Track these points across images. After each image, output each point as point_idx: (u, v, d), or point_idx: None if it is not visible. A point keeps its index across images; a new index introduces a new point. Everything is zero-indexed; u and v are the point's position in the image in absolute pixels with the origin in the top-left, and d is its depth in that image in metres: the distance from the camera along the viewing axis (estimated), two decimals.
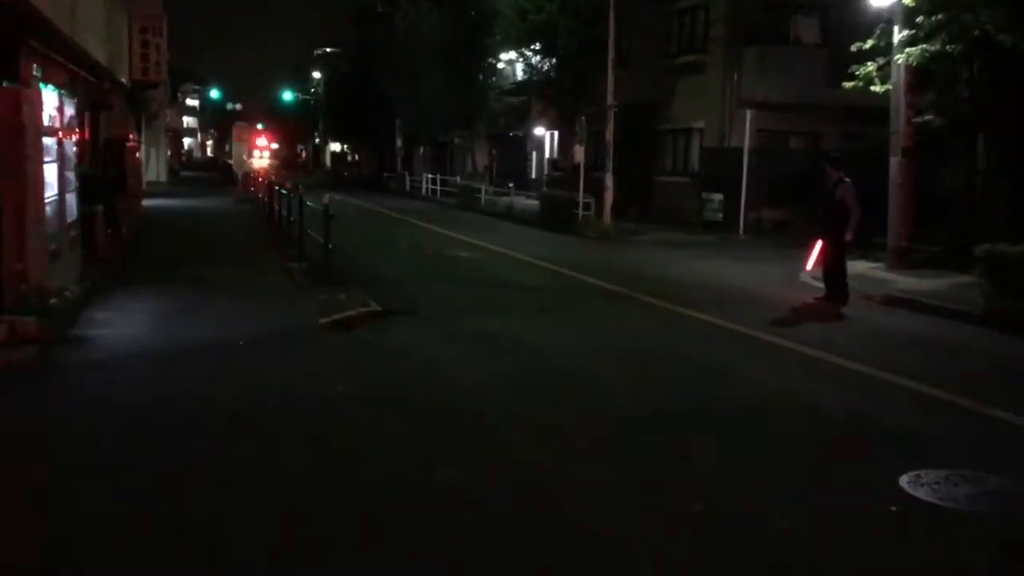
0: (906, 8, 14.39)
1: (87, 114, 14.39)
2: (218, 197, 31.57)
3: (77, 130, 12.94)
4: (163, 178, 40.37)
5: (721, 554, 4.20)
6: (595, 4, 23.17)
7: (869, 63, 15.68)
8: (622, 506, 4.72)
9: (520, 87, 34.13)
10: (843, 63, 22.19)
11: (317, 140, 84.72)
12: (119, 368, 7.33)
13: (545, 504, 4.72)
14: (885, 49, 15.59)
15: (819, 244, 12.19)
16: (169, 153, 46.77)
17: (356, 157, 69.13)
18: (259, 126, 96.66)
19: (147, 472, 5.03)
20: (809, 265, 12.98)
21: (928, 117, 14.79)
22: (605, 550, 4.20)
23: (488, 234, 21.01)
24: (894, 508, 4.77)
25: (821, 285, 13.42)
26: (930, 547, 4.41)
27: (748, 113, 21.02)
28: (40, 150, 8.56)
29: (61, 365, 7.35)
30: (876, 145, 21.59)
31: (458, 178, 36.46)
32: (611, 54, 21.72)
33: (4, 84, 8.08)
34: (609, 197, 21.97)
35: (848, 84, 16.25)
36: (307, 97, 77.44)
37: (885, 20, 15.80)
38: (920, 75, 14.97)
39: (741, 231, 21.36)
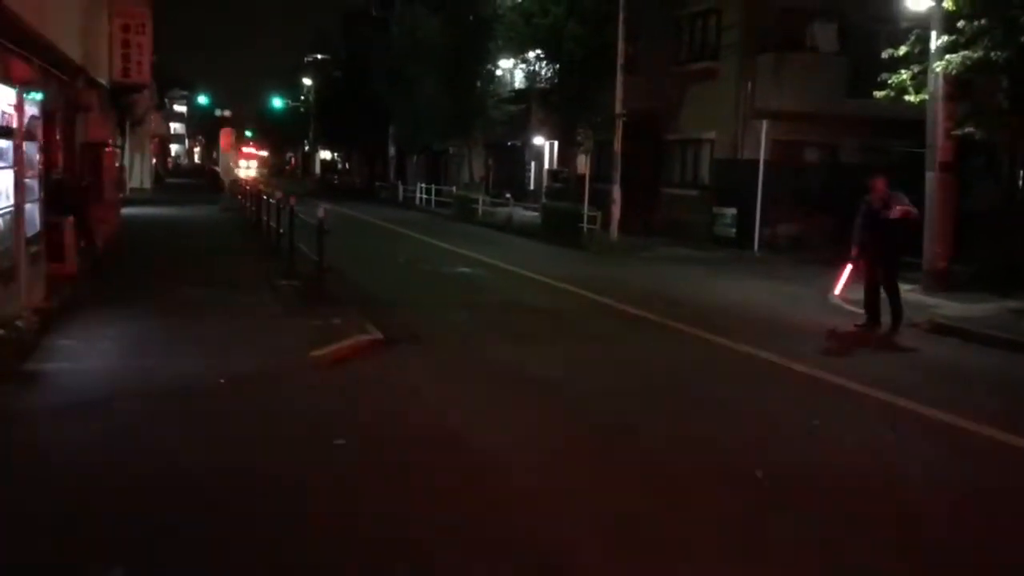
0: (946, 12, 13.38)
1: (59, 115, 13.18)
2: (204, 205, 30.29)
3: (42, 132, 11.75)
4: (148, 185, 39.08)
5: None
6: (603, 9, 22.13)
7: (903, 71, 14.63)
8: None
9: (520, 95, 33.07)
10: (863, 72, 21.30)
11: (307, 148, 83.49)
12: (73, 417, 6.14)
13: None
14: (919, 56, 14.58)
15: (849, 268, 11.25)
16: (155, 160, 45.45)
17: (346, 165, 67.91)
18: (247, 133, 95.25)
19: None
20: (838, 289, 12.04)
21: (968, 129, 13.74)
22: None
23: (489, 248, 19.87)
24: None
25: (853, 308, 12.51)
26: None
27: (764, 123, 19.97)
28: None
29: (1, 413, 6.13)
30: (902, 158, 20.70)
31: (454, 188, 35.31)
32: (620, 60, 20.67)
33: None
34: (616, 210, 20.89)
35: (879, 94, 15.18)
36: (297, 104, 76.27)
37: (918, 26, 14.82)
38: (958, 84, 13.95)
39: (756, 247, 20.29)
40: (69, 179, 13.70)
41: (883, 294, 11.10)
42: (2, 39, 8.32)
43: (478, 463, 5.55)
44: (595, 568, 4.14)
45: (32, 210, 8.96)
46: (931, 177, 14.12)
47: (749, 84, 21.61)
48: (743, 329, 10.53)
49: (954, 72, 13.32)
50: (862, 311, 12.53)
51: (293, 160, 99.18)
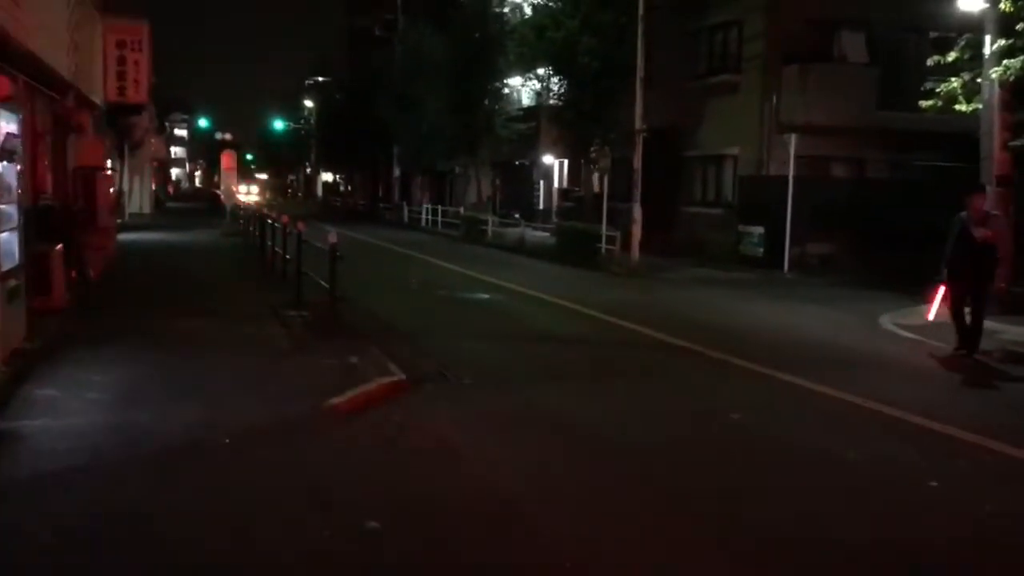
0: (1002, 14, 12.43)
1: (47, 136, 12.20)
2: (205, 230, 29.29)
3: (30, 153, 10.78)
4: (147, 210, 38.11)
5: None
6: (619, 22, 21.22)
7: (952, 79, 13.66)
8: None
9: (528, 112, 32.18)
10: (893, 83, 20.42)
11: (308, 170, 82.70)
12: (44, 495, 5.07)
13: None
14: (969, 63, 13.64)
15: (942, 290, 10.25)
16: (154, 184, 44.55)
17: (349, 187, 67.02)
18: (248, 157, 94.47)
19: None
20: (931, 314, 11.10)
21: None
22: None
23: (503, 271, 18.85)
24: None
25: (910, 336, 11.60)
26: None
27: (792, 138, 18.97)
28: None
29: None
30: (932, 172, 19.75)
31: (461, 209, 34.33)
32: (640, 73, 19.72)
33: None
34: (637, 230, 19.86)
35: (925, 104, 14.21)
36: (298, 126, 75.53)
37: (963, 31, 13.90)
38: (1016, 92, 12.99)
39: (785, 268, 19.25)
40: (59, 205, 12.72)
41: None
42: None
43: (550, 554, 4.48)
44: None
45: (10, 240, 7.94)
46: (988, 192, 13.10)
47: (774, 97, 20.65)
48: (803, 362, 9.47)
49: (1012, 78, 12.37)
50: (918, 338, 11.59)
51: (294, 183, 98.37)
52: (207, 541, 4.46)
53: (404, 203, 42.39)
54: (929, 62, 14.22)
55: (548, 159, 33.96)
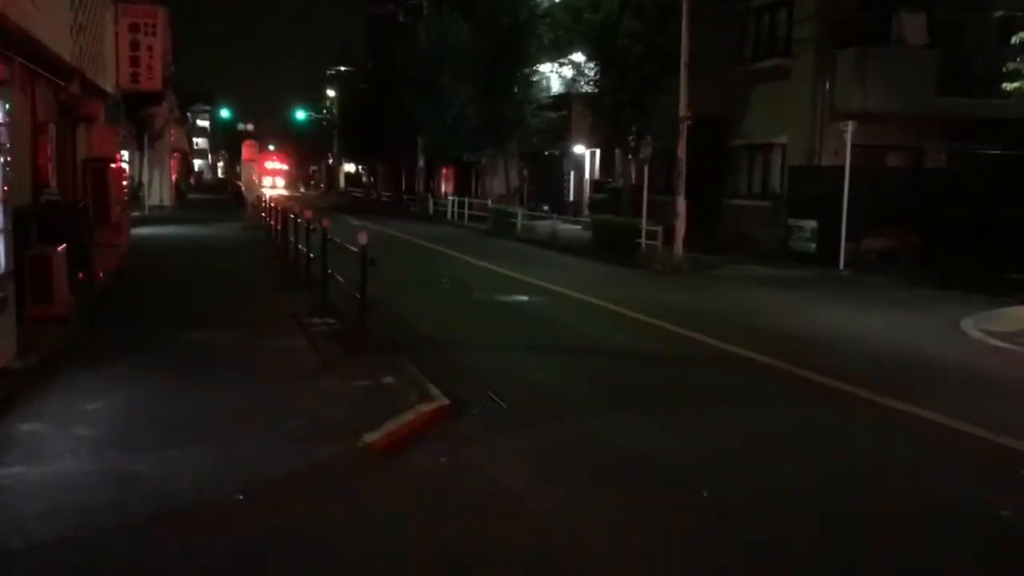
0: None
1: (52, 125, 11.17)
2: (225, 223, 28.29)
3: (31, 144, 9.76)
4: (167, 202, 37.23)
5: None
6: (662, 2, 19.94)
7: None
8: None
9: (559, 100, 30.97)
10: (955, 67, 19.06)
11: (331, 160, 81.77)
12: (17, 569, 4.00)
13: None
14: None
15: None
16: (175, 176, 43.73)
17: (372, 179, 66.00)
18: (270, 147, 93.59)
19: None
20: None
21: None
22: None
23: (539, 269, 17.69)
24: None
25: (1004, 345, 10.41)
26: None
27: (850, 125, 17.65)
28: None
29: None
30: (994, 162, 18.43)
31: (489, 202, 33.18)
32: (684, 57, 18.45)
33: None
34: (681, 224, 18.62)
35: (1010, 86, 12.91)
36: (321, 116, 74.60)
37: None
38: None
39: (841, 265, 17.96)
40: (65, 200, 11.69)
41: None
42: None
43: None
44: None
45: None
46: None
47: (827, 82, 19.33)
48: (906, 383, 8.25)
49: None
50: (1011, 347, 10.39)
51: (316, 174, 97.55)
52: None
53: (429, 195, 41.29)
54: (1014, 40, 12.89)
55: (579, 149, 32.76)
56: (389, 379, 7.63)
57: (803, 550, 4.58)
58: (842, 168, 17.95)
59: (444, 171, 44.57)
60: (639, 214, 20.47)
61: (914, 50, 19.14)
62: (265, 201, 27.70)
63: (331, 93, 69.10)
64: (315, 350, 8.91)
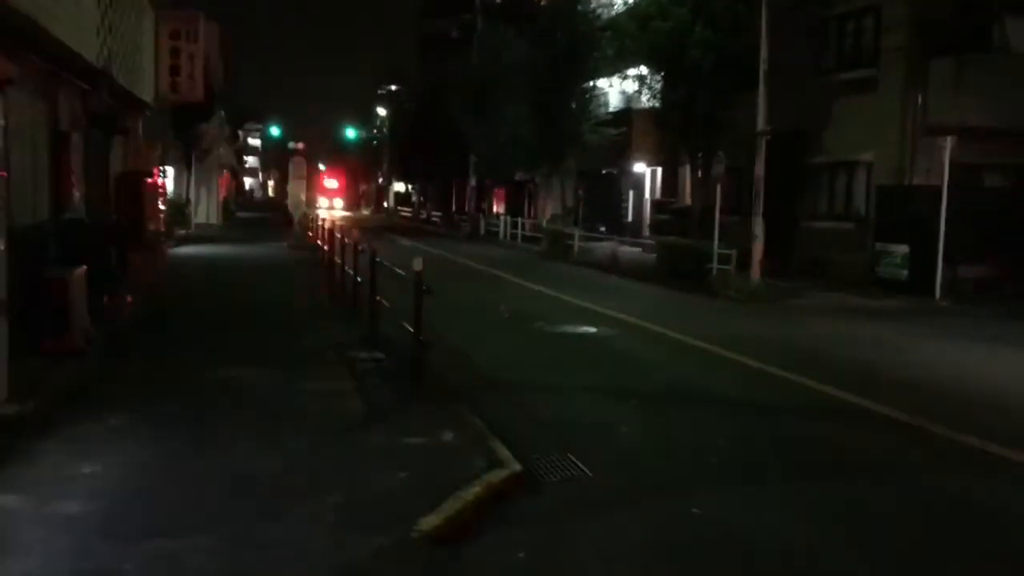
0: None
1: (77, 135, 10.11)
2: (271, 243, 27.37)
3: (50, 156, 8.69)
4: (215, 220, 36.57)
5: None
6: (736, 10, 18.53)
7: None
8: None
9: (619, 116, 29.63)
10: None
11: (380, 180, 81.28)
12: None
13: None
14: None
15: None
16: (224, 194, 43.21)
17: (422, 198, 65.22)
18: (320, 166, 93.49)
19: None
20: None
21: None
22: None
23: (602, 296, 16.28)
24: None
25: None
26: None
27: (948, 141, 16.03)
28: None
29: None
30: None
31: (544, 222, 31.88)
32: (763, 66, 17.00)
33: None
34: (758, 248, 17.10)
35: None
36: (371, 136, 74.16)
37: None
38: None
39: (937, 294, 16.27)
40: (90, 218, 10.62)
41: None
42: None
43: None
44: None
45: None
46: None
47: (919, 95, 17.68)
48: None
49: None
50: None
51: (365, 193, 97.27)
52: None
53: (481, 215, 40.13)
54: None
55: (639, 167, 31.33)
56: (449, 435, 6.31)
57: None
58: (938, 188, 16.33)
59: (496, 190, 43.40)
60: (706, 236, 18.99)
61: (1019, 58, 17.43)
62: (312, 220, 26.75)
63: (382, 111, 68.62)
64: (360, 393, 7.62)
